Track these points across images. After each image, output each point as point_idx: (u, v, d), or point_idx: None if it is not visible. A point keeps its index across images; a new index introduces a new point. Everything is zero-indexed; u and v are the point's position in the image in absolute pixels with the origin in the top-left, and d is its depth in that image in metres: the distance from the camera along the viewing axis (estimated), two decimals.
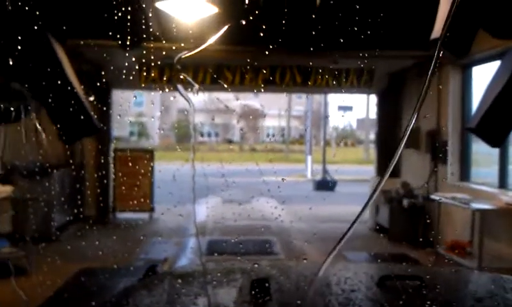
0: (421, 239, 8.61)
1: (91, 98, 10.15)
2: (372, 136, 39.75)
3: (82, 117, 4.23)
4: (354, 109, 43.47)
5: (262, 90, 10.61)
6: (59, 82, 4.13)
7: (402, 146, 1.39)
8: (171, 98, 33.86)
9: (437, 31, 4.24)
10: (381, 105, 11.85)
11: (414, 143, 9.84)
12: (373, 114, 38.01)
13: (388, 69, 10.69)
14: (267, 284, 1.70)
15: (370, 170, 18.40)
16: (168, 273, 2.22)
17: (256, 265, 2.16)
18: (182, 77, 3.13)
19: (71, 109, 4.01)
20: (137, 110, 35.83)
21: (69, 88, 4.19)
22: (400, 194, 9.73)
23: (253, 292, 1.67)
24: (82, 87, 9.46)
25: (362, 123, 42.90)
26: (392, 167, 1.39)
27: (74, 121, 4.32)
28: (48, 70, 4.13)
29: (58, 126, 4.14)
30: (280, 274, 1.98)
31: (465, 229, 7.73)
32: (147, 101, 34.75)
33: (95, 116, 4.38)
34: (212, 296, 1.74)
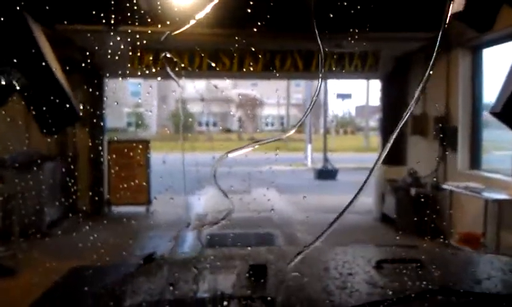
0: (430, 230, 8.18)
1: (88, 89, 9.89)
2: (372, 123, 39.88)
3: (63, 105, 3.78)
4: (353, 97, 43.37)
5: (262, 76, 10.13)
6: (37, 68, 3.76)
7: (397, 131, 1.33)
8: (173, 92, 33.38)
9: (458, 3, 3.82)
10: (385, 91, 11.39)
11: (421, 130, 9.42)
12: (373, 101, 37.81)
13: (393, 53, 10.22)
14: (264, 270, 1.71)
15: (371, 158, 18.04)
16: (166, 260, 2.18)
17: (254, 251, 2.18)
18: (169, 56, 2.82)
19: (51, 97, 3.62)
20: (134, 101, 35.41)
21: (48, 74, 3.80)
22: (408, 182, 9.31)
23: (251, 277, 1.68)
24: (74, 76, 9.06)
25: (362, 110, 42.75)
26: (385, 153, 1.35)
27: (54, 110, 3.86)
28: (26, 54, 3.74)
29: (36, 116, 3.74)
30: (277, 259, 1.97)
31: (477, 220, 7.31)
32: (144, 91, 34.27)
33: (80, 105, 3.98)
34: (211, 281, 1.75)
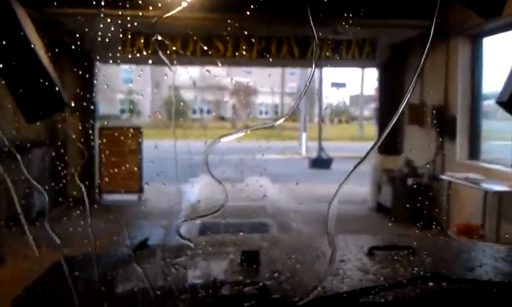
0: (427, 221, 8.03)
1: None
2: (366, 113, 39.78)
3: (48, 91, 3.62)
4: (347, 86, 43.29)
5: (257, 63, 9.88)
6: (20, 52, 3.57)
7: (394, 121, 1.28)
8: (165, 76, 33.05)
9: None
10: (382, 79, 11.19)
11: (418, 119, 9.24)
12: (367, 90, 37.77)
13: (391, 40, 10.01)
14: (257, 256, 1.72)
15: (365, 147, 17.81)
16: (159, 246, 2.18)
17: (247, 238, 2.20)
18: (160, 38, 2.65)
19: (35, 83, 3.45)
20: (127, 87, 35.05)
21: (33, 59, 3.61)
22: (404, 172, 9.15)
23: (243, 263, 1.70)
24: (64, 60, 8.79)
25: (356, 99, 42.69)
26: (380, 143, 1.36)
27: (38, 96, 3.71)
28: (8, 37, 3.54)
29: (19, 102, 3.58)
30: (270, 246, 1.99)
31: (476, 211, 7.17)
32: (136, 77, 33.92)
33: (69, 90, 3.80)
34: (203, 268, 1.76)
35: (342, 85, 42.07)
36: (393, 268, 1.70)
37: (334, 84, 39.58)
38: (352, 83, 49.16)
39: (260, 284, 1.50)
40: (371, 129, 20.27)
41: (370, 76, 37.22)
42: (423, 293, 1.41)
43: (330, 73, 34.08)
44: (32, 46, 3.95)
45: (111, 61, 10.85)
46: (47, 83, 3.87)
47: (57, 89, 4.05)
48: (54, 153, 9.72)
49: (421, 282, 1.45)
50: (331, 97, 42.91)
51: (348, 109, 48.74)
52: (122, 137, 11.12)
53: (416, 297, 1.39)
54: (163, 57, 1.91)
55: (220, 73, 34.22)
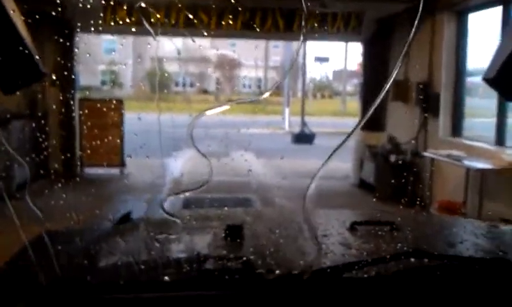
0: (410, 198, 8.06)
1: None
2: (349, 88, 39.77)
3: (24, 62, 3.47)
4: (330, 61, 43.11)
5: (241, 35, 9.71)
6: None
7: (381, 97, 1.32)
8: (148, 45, 32.42)
9: None
10: (367, 54, 11.11)
11: (402, 95, 9.22)
12: (351, 65, 37.72)
13: (377, 14, 9.90)
14: (240, 230, 1.73)
15: (348, 123, 17.90)
16: (142, 219, 2.20)
17: (230, 212, 2.25)
18: (143, 5, 2.57)
19: (11, 52, 3.31)
20: (108, 58, 34.45)
21: (7, 27, 3.46)
22: (387, 149, 9.16)
23: (227, 238, 1.71)
24: (44, 29, 8.54)
25: (339, 74, 42.63)
26: (364, 122, 1.39)
27: (15, 65, 3.55)
28: None
29: None
30: (253, 220, 2.01)
31: (458, 188, 7.22)
32: (119, 46, 33.31)
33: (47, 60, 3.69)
34: (187, 242, 1.77)
35: (326, 59, 41.94)
36: (375, 243, 1.72)
37: (317, 59, 39.44)
38: (335, 58, 48.98)
39: (244, 258, 1.50)
40: (354, 105, 20.23)
41: (354, 51, 37.13)
42: (405, 268, 1.42)
43: (313, 48, 33.97)
44: (9, 13, 3.78)
45: (92, 30, 10.60)
46: (23, 52, 3.74)
47: (34, 58, 3.92)
48: (34, 125, 9.53)
49: (404, 258, 1.46)
50: (315, 72, 42.76)
51: (331, 84, 48.64)
52: (104, 109, 10.95)
53: (398, 272, 1.40)
54: (147, 26, 1.88)
55: (204, 44, 33.79)
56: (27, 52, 3.78)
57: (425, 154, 7.91)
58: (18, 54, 3.67)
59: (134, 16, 8.42)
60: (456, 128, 8.25)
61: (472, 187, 6.78)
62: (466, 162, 6.77)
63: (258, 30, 9.24)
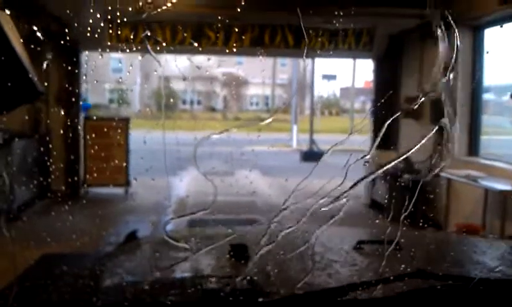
0: (424, 220, 7.74)
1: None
2: (357, 105, 39.72)
3: (19, 80, 3.38)
4: (338, 78, 43.29)
5: (249, 52, 9.49)
6: None
7: (390, 115, 1.31)
8: (155, 71, 32.62)
9: None
10: (378, 71, 10.88)
11: (415, 112, 8.92)
12: (358, 82, 37.74)
13: (388, 31, 9.68)
14: (245, 250, 1.73)
15: (356, 140, 17.55)
16: (147, 239, 2.22)
17: (236, 231, 2.22)
18: (148, 34, 2.48)
19: (5, 70, 3.23)
20: (116, 77, 34.52)
21: (3, 44, 3.38)
22: (400, 168, 8.85)
23: (232, 257, 1.71)
24: (49, 48, 8.38)
25: (346, 91, 42.61)
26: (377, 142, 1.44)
27: (9, 85, 3.48)
28: None
29: None
30: (258, 239, 1.90)
31: (475, 210, 6.91)
32: (127, 67, 33.43)
33: (37, 78, 3.50)
34: (191, 261, 1.73)
35: (333, 77, 42.00)
36: (379, 262, 1.68)
37: (325, 76, 39.48)
38: (342, 75, 49.08)
39: (248, 278, 1.49)
40: (363, 122, 20.03)
41: (361, 68, 37.16)
42: (410, 289, 1.40)
43: (321, 65, 33.94)
44: (4, 30, 3.51)
45: (98, 50, 10.47)
46: (19, 71, 3.49)
47: (31, 77, 3.68)
48: (37, 145, 9.36)
49: (408, 278, 1.44)
50: (322, 89, 42.81)
51: (339, 101, 48.64)
52: (109, 128, 10.75)
53: (403, 293, 1.39)
54: (153, 55, 1.83)
55: (210, 64, 33.85)
56: (23, 71, 3.48)
57: (442, 174, 7.61)
58: (14, 72, 3.37)
59: (139, 37, 8.23)
60: (473, 146, 7.96)
61: (492, 209, 6.47)
62: (486, 183, 6.46)
63: (266, 47, 9.01)
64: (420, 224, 7.34)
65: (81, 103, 10.05)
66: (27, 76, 3.67)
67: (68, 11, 7.45)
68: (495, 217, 6.43)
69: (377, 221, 8.91)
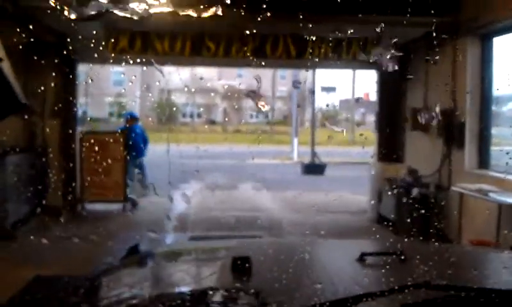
0: (433, 235, 7.44)
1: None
2: (357, 117, 39.63)
3: (2, 92, 3.33)
4: (337, 90, 43.45)
5: (250, 63, 9.21)
6: None
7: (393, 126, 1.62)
8: (157, 83, 32.60)
9: None
10: (382, 82, 10.60)
11: (422, 124, 8.64)
12: (357, 94, 37.67)
13: (393, 40, 9.39)
14: (247, 263, 1.71)
15: (357, 152, 17.35)
16: (149, 252, 2.19)
17: (237, 244, 2.32)
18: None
19: None
20: (116, 90, 34.45)
21: None
22: (408, 182, 8.55)
23: (235, 270, 1.70)
24: (45, 60, 8.12)
25: (346, 103, 42.64)
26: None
27: None
28: None
29: None
30: (260, 251, 2.00)
31: (487, 225, 6.60)
32: (127, 80, 33.33)
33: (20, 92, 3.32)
34: (194, 274, 1.78)
35: (332, 89, 42.01)
36: (383, 274, 1.73)
37: (324, 88, 39.47)
38: (341, 87, 49.20)
39: (252, 291, 1.49)
40: (366, 134, 19.77)
41: (360, 80, 37.19)
42: (415, 301, 1.39)
43: (320, 77, 33.88)
44: None
45: (95, 61, 10.20)
46: (1, 83, 3.23)
47: (13, 90, 3.40)
48: (33, 160, 9.09)
49: (412, 289, 1.44)
50: (321, 101, 42.79)
51: (339, 113, 48.70)
52: (106, 142, 10.45)
53: (407, 304, 1.38)
54: (156, 66, 1.64)
55: (211, 76, 33.79)
56: (5, 83, 3.16)
57: (453, 189, 7.31)
58: None
59: (137, 46, 8.01)
60: (483, 159, 7.66)
61: (506, 224, 6.16)
62: (499, 197, 6.16)
63: (268, 57, 8.72)
64: (430, 238, 7.01)
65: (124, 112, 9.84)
66: (10, 88, 3.40)
67: (64, 24, 7.24)
68: (510, 232, 6.13)
69: (383, 235, 8.67)
